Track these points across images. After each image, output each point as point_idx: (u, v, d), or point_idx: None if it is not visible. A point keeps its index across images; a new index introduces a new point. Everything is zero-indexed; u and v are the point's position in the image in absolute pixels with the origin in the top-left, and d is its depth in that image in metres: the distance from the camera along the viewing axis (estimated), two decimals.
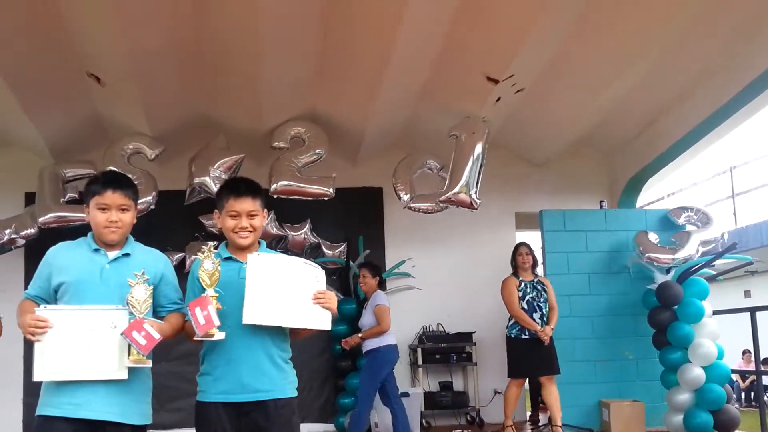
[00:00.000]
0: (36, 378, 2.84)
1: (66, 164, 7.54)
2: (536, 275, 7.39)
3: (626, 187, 9.31)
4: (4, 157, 8.07)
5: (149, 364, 2.92)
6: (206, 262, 2.92)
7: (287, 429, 3.00)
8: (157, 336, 2.84)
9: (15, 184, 7.76)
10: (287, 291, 2.96)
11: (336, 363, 8.53)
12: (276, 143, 7.56)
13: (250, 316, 2.88)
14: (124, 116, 7.46)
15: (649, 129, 8.55)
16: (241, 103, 7.46)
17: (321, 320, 3.03)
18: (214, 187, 7.13)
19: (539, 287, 7.24)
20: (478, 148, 7.31)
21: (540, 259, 7.84)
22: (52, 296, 2.98)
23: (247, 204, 3.09)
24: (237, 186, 3.17)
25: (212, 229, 8.20)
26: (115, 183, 3.05)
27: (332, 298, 3.06)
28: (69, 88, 6.96)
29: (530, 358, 7.10)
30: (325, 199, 7.57)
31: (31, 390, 7.68)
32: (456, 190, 7.28)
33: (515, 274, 7.34)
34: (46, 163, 7.71)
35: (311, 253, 8.40)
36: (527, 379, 8.37)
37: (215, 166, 7.37)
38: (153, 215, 7.21)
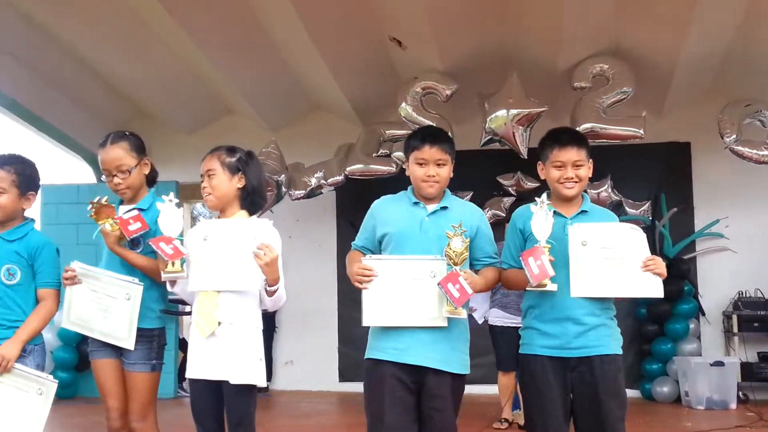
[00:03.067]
0: (364, 323, 3.01)
1: (385, 125, 7.87)
2: None
3: None
4: (316, 120, 8.98)
5: (464, 315, 2.97)
6: (539, 213, 2.94)
7: (614, 386, 2.95)
8: (470, 291, 2.87)
9: (325, 144, 8.32)
10: (613, 260, 2.92)
11: (641, 327, 8.21)
12: (577, 83, 7.07)
13: (577, 290, 2.90)
14: (416, 57, 7.38)
15: None
16: (539, 36, 7.06)
17: (653, 288, 2.92)
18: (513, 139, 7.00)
19: None
20: None
21: None
22: (377, 247, 3.12)
23: (572, 153, 3.06)
24: (559, 136, 3.16)
25: (510, 189, 8.23)
26: (433, 138, 3.11)
27: (660, 262, 2.94)
28: (370, 49, 7.31)
29: None
30: (634, 141, 7.02)
31: (345, 339, 8.33)
32: None
33: None
34: (349, 124, 8.35)
35: (613, 211, 8.06)
36: None
37: (510, 119, 6.93)
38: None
